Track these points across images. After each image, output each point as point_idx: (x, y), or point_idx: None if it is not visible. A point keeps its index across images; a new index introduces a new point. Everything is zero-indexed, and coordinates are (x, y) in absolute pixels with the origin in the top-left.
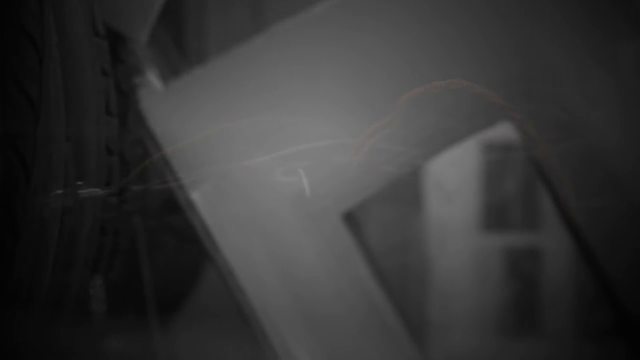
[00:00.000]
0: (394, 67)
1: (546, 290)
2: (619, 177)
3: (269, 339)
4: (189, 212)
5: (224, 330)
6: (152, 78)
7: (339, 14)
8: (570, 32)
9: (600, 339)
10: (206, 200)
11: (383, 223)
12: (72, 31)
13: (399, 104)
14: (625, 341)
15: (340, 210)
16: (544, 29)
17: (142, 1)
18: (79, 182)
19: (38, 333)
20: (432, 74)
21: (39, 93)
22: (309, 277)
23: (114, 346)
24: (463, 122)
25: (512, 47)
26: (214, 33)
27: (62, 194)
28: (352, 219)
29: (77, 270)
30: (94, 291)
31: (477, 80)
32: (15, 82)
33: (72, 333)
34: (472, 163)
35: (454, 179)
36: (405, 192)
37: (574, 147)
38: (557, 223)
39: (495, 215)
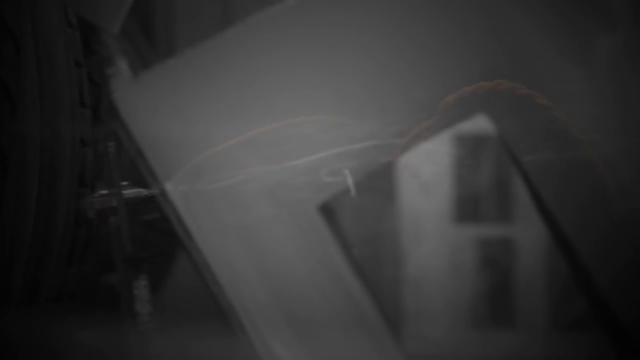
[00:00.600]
0: (368, 60)
1: (520, 281)
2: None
3: (245, 331)
4: (164, 204)
5: (199, 323)
6: (124, 69)
7: (311, 6)
8: (552, 23)
9: (575, 328)
10: (182, 193)
11: (358, 214)
12: (46, 22)
13: (445, 104)
14: (600, 330)
15: (317, 201)
16: (521, 20)
17: None
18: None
19: (12, 328)
20: (407, 68)
21: (17, 84)
22: (285, 268)
23: (87, 341)
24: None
25: (488, 40)
26: (185, 25)
27: (37, 187)
28: (328, 210)
29: (52, 263)
30: (138, 291)
31: (451, 74)
32: None
33: (46, 327)
34: (446, 155)
35: (428, 170)
36: (380, 184)
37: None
38: (531, 214)
39: (468, 206)
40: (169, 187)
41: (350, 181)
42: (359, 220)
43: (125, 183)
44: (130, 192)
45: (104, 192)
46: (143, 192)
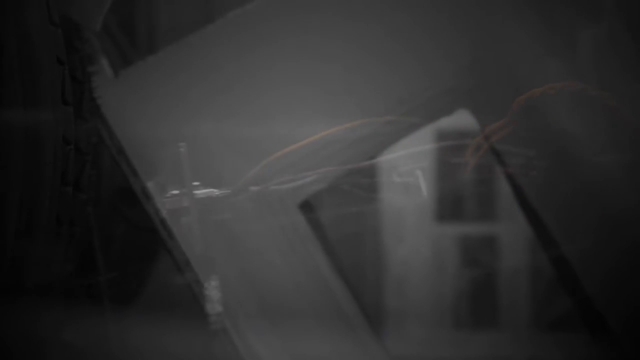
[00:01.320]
0: (346, 55)
1: (503, 280)
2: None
3: (226, 329)
4: (145, 202)
5: (180, 321)
6: (106, 67)
7: (291, 1)
8: (528, 17)
9: (558, 327)
10: (162, 190)
11: (339, 212)
12: (28, 19)
13: (517, 104)
14: (584, 329)
15: (298, 199)
16: (497, 14)
17: None
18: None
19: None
20: (379, 65)
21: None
22: (266, 266)
23: (67, 337)
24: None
25: (463, 35)
26: (166, 21)
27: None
28: (309, 208)
29: (34, 259)
30: (208, 292)
31: (425, 71)
32: None
33: (27, 323)
34: (428, 152)
35: (410, 167)
36: (361, 182)
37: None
38: (514, 212)
39: (450, 204)
40: (239, 187)
41: (422, 182)
42: (341, 218)
43: (196, 183)
44: (201, 192)
45: (176, 192)
46: (215, 192)
